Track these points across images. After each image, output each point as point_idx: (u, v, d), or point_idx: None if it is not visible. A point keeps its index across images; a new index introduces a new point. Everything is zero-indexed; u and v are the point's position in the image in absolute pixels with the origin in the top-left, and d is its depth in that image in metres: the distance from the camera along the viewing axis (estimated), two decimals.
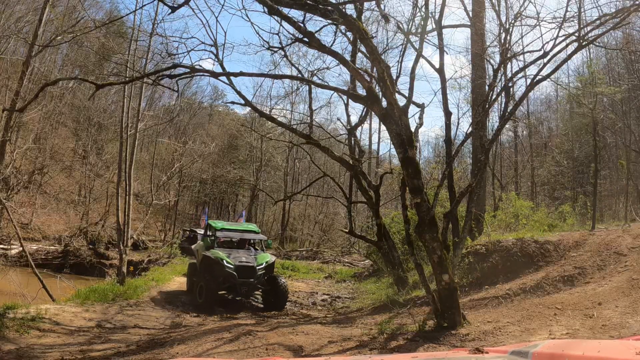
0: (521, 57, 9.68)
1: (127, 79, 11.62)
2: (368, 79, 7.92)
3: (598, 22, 7.63)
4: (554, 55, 8.03)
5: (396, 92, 7.35)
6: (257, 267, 10.66)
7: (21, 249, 14.04)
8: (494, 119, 18.30)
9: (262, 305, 11.36)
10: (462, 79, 13.14)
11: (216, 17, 21.29)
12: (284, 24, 9.72)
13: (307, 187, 21.92)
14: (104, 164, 28.92)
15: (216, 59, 10.64)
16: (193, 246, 13.48)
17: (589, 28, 7.71)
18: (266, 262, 10.99)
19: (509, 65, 11.13)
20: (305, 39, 7.09)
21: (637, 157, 16.37)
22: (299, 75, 13.48)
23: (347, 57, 10.36)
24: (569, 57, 8.01)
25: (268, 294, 11.06)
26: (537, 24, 8.86)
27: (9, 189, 19.17)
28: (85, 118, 31.84)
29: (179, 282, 13.76)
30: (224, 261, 10.46)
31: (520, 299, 7.20)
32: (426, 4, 8.44)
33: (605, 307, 5.80)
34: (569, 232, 9.78)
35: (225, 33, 32.88)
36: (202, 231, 23.95)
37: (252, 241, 12.55)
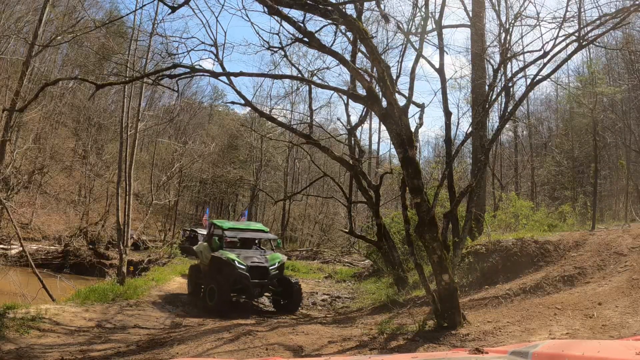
0: (521, 57, 9.71)
1: (127, 79, 11.62)
2: (368, 79, 7.92)
3: (598, 22, 7.63)
4: (554, 55, 8.04)
5: (396, 92, 7.35)
6: (270, 268, 10.29)
7: (21, 249, 14.04)
8: (494, 119, 18.32)
9: (271, 308, 10.95)
10: (462, 79, 13.16)
11: (216, 17, 21.37)
12: (284, 24, 9.75)
13: (307, 187, 21.93)
14: (104, 164, 28.92)
15: (216, 59, 10.66)
16: (195, 247, 13.05)
17: (589, 28, 7.71)
18: (278, 262, 10.61)
19: (509, 65, 11.15)
20: (305, 39, 7.08)
21: (637, 157, 16.38)
22: (299, 75, 13.49)
23: (347, 57, 10.37)
24: (569, 57, 8.02)
25: (280, 295, 10.64)
26: (537, 24, 8.88)
27: (9, 189, 19.17)
28: (85, 118, 31.86)
29: (179, 282, 13.75)
30: (236, 262, 10.05)
31: (520, 299, 7.19)
32: (426, 4, 8.44)
33: (605, 307, 5.80)
34: (569, 232, 9.78)
35: (225, 33, 32.95)
36: (202, 231, 23.93)
37: (257, 241, 12.18)
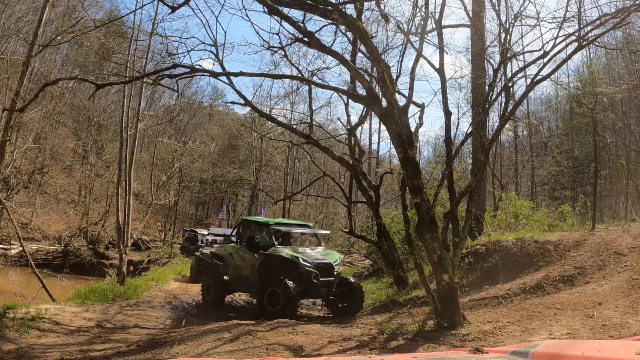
0: (521, 57, 9.70)
1: (127, 79, 11.64)
2: (368, 79, 7.91)
3: (598, 22, 7.62)
4: (554, 55, 8.03)
5: (396, 92, 7.35)
6: (334, 265, 9.42)
7: (21, 249, 14.05)
8: (494, 119, 18.28)
9: (312, 310, 10.08)
10: (462, 79, 13.11)
11: (216, 17, 21.35)
12: (284, 23, 9.72)
13: (307, 187, 21.92)
14: (104, 164, 28.97)
15: (216, 59, 10.66)
16: (215, 250, 11.63)
17: (589, 28, 7.70)
18: (339, 259, 9.79)
19: (509, 65, 11.13)
20: (305, 39, 7.08)
21: (637, 157, 16.37)
22: (299, 75, 13.47)
23: (347, 57, 10.36)
24: (569, 57, 8.00)
25: (340, 297, 9.64)
26: (537, 24, 8.86)
27: (9, 189, 19.18)
28: (85, 118, 31.92)
29: (178, 283, 13.77)
30: (300, 259, 9.03)
31: (520, 299, 7.20)
32: (426, 4, 8.45)
33: (605, 307, 5.80)
34: (569, 232, 9.78)
35: (225, 33, 33.12)
36: (202, 231, 23.88)
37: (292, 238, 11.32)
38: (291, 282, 8.78)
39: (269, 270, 9.40)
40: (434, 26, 9.18)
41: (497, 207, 14.75)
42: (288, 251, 9.45)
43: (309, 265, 9.01)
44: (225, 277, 10.65)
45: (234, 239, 10.97)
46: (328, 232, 11.70)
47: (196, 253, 15.25)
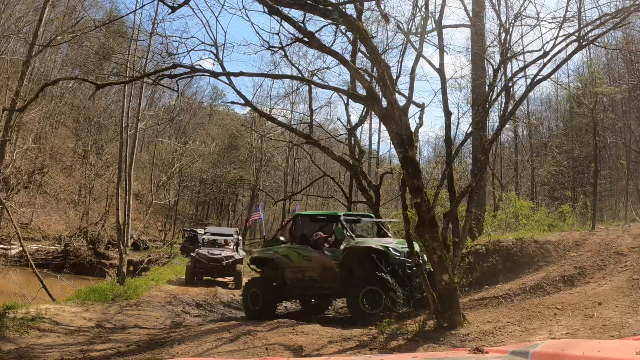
0: (521, 57, 9.68)
1: (127, 79, 11.65)
2: (368, 79, 7.91)
3: (598, 22, 7.62)
4: (554, 55, 8.02)
5: (396, 92, 7.35)
6: (419, 252, 8.36)
7: (21, 249, 14.05)
8: (494, 119, 18.27)
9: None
10: (462, 79, 13.11)
11: (216, 17, 21.21)
12: (284, 23, 9.67)
13: (307, 187, 21.92)
14: (104, 164, 28.95)
15: (216, 59, 10.62)
16: (260, 254, 9.94)
17: (589, 28, 7.70)
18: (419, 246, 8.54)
19: (509, 65, 11.12)
20: (305, 39, 7.08)
21: (637, 157, 16.37)
22: (299, 75, 13.47)
23: (347, 57, 10.35)
24: (569, 57, 8.00)
25: (417, 289, 8.19)
26: (537, 24, 8.86)
27: (9, 189, 19.18)
28: (85, 118, 31.91)
29: (178, 284, 13.77)
30: (390, 249, 7.98)
31: (520, 299, 7.20)
32: (426, 4, 8.44)
33: (605, 307, 5.80)
34: (569, 232, 9.78)
35: (225, 33, 32.98)
36: (201, 231, 23.83)
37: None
38: (391, 279, 7.36)
39: (350, 267, 8.32)
40: (434, 26, 9.17)
41: (497, 207, 14.75)
42: (374, 241, 8.40)
43: (399, 254, 7.97)
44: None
45: (282, 239, 9.64)
46: (397, 220, 10.49)
47: (191, 254, 15.21)
